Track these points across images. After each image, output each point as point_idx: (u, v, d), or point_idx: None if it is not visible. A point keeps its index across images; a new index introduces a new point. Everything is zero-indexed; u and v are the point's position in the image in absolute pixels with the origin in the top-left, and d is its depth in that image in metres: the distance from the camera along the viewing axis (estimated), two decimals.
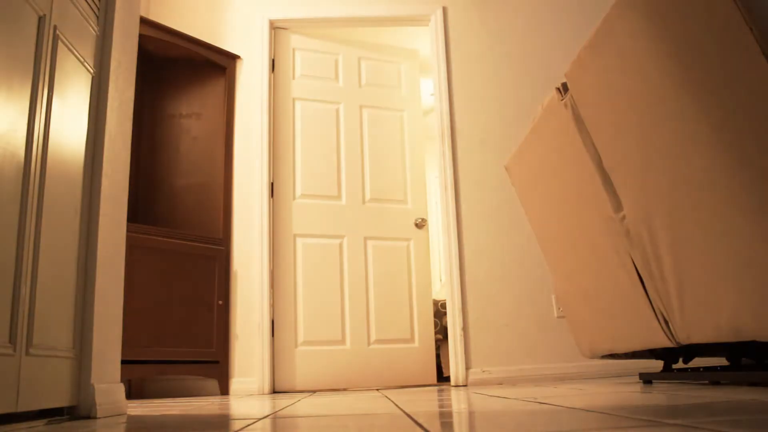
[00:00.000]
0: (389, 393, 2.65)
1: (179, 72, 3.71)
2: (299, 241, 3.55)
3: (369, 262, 3.62)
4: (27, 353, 1.31)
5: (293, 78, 3.79)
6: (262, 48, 3.70)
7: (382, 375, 3.49)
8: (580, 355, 2.53)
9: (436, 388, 3.08)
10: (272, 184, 3.58)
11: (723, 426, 0.80)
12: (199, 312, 3.19)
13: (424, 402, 1.81)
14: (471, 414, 1.32)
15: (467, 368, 3.26)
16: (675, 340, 1.72)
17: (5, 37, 1.26)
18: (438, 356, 4.47)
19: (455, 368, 3.26)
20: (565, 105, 1.92)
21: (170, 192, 3.55)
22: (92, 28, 1.74)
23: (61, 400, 1.49)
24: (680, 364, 2.29)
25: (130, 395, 3.21)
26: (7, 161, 1.26)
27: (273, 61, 3.75)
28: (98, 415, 1.57)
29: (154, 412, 1.84)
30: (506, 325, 3.33)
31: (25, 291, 1.31)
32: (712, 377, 1.89)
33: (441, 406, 1.60)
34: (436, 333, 4.22)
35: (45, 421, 1.42)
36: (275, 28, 3.80)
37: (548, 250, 2.49)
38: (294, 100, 3.75)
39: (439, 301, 4.58)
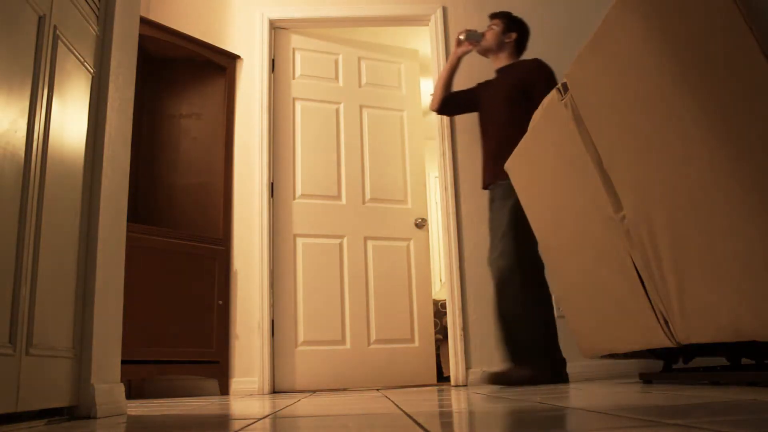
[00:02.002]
0: (389, 393, 2.65)
1: (179, 72, 3.71)
2: (299, 241, 3.55)
3: (369, 262, 3.62)
4: (27, 353, 1.31)
5: (293, 78, 3.79)
6: (262, 48, 3.70)
7: (382, 375, 3.48)
8: (580, 355, 2.53)
9: (436, 388, 3.08)
10: (272, 184, 3.58)
11: (723, 426, 0.80)
12: (199, 312, 3.19)
13: (424, 402, 1.81)
14: (471, 414, 1.32)
15: (467, 368, 3.26)
16: (675, 340, 1.72)
17: (5, 37, 1.26)
18: (438, 356, 4.47)
19: (455, 368, 3.26)
20: (565, 105, 1.92)
21: (170, 192, 3.55)
22: (92, 28, 1.74)
23: (61, 400, 1.49)
24: (680, 364, 2.29)
25: (130, 395, 3.21)
26: (7, 161, 1.26)
27: (273, 61, 3.75)
28: (98, 415, 1.57)
29: (154, 412, 1.84)
30: None
31: (25, 291, 1.31)
32: (712, 377, 1.89)
33: (441, 406, 1.60)
34: (436, 333, 4.22)
35: (45, 421, 1.42)
36: (275, 28, 3.80)
37: (548, 250, 2.49)
38: (294, 100, 3.75)
39: (439, 301, 4.58)
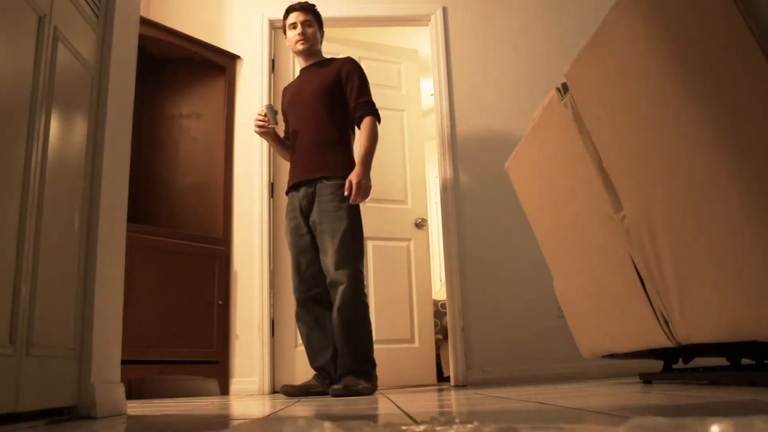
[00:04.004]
0: (389, 393, 2.65)
1: (179, 72, 3.70)
2: None
3: (369, 262, 3.62)
4: (27, 353, 1.31)
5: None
6: (262, 48, 3.70)
7: (382, 375, 3.48)
8: (580, 355, 2.53)
9: (436, 388, 3.08)
10: (272, 184, 3.57)
11: None
12: (199, 312, 3.18)
13: (424, 402, 1.81)
14: (471, 414, 1.32)
15: (467, 368, 3.26)
16: (675, 340, 1.72)
17: (5, 37, 1.26)
18: (438, 356, 4.47)
19: (455, 368, 3.26)
20: (565, 105, 1.92)
21: (170, 192, 3.55)
22: (92, 28, 1.74)
23: (61, 400, 1.49)
24: (680, 364, 2.29)
25: (130, 395, 3.21)
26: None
27: (273, 61, 3.75)
28: (98, 415, 1.57)
29: (154, 412, 1.84)
30: (506, 325, 3.33)
31: (25, 291, 1.31)
32: (712, 377, 1.89)
33: (441, 407, 1.60)
34: (436, 333, 4.22)
35: (45, 421, 1.42)
36: (275, 28, 3.79)
37: (548, 250, 2.49)
38: None
39: (439, 301, 4.57)
